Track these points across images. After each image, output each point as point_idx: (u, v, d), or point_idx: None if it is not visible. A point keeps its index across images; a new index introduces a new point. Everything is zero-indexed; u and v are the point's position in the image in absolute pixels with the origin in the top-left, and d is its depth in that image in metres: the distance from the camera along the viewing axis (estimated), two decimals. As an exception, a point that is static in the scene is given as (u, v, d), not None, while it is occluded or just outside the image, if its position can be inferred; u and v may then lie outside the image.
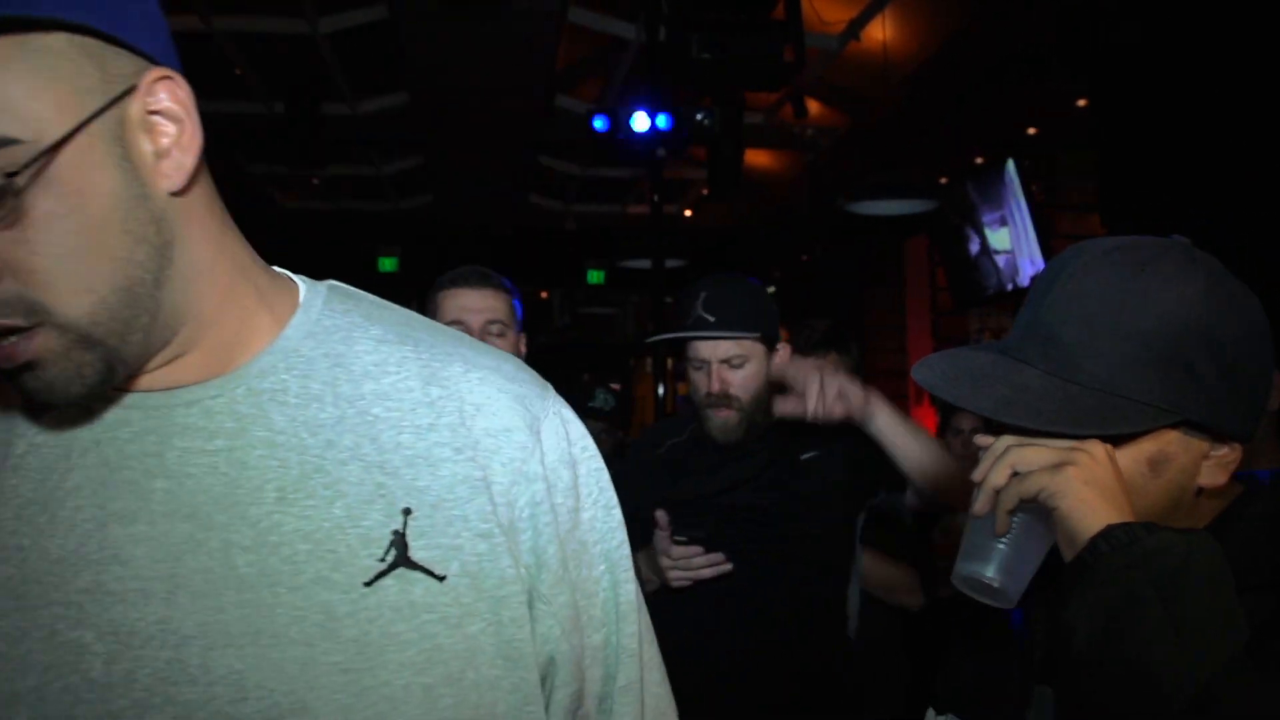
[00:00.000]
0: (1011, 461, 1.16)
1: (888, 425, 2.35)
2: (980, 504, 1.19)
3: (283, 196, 13.21)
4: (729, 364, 2.54)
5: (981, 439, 1.22)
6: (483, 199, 12.40)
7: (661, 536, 2.42)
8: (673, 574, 2.43)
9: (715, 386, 2.54)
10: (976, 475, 1.19)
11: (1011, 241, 8.77)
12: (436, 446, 0.98)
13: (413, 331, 1.07)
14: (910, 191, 7.39)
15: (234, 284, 1.04)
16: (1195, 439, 1.17)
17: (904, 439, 2.35)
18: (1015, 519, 1.18)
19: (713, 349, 2.55)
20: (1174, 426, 1.16)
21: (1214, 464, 1.18)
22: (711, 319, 2.51)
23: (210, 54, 8.42)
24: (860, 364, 3.59)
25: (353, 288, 1.17)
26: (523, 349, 2.56)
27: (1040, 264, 8.39)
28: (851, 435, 2.66)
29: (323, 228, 14.20)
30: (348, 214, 13.68)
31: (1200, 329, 1.13)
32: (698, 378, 2.60)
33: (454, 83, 8.31)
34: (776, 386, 2.67)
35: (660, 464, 2.76)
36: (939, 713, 1.49)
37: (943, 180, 9.48)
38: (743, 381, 2.55)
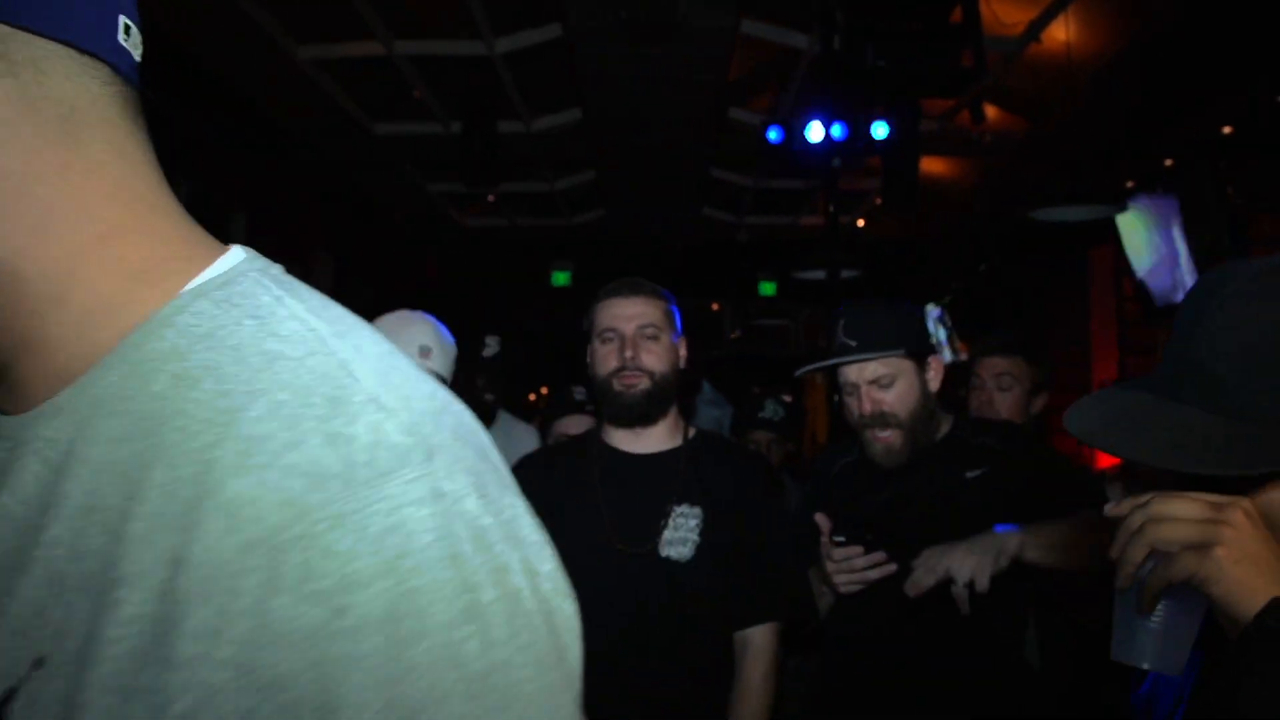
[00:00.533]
0: (1149, 541, 1.10)
1: (1039, 557, 2.26)
2: (1121, 581, 1.14)
3: (460, 215, 13.55)
4: (878, 384, 2.51)
5: (1112, 510, 1.17)
6: (654, 212, 12.49)
7: (824, 542, 2.39)
8: (839, 578, 2.40)
9: (867, 408, 2.52)
10: (1113, 553, 1.14)
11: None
12: None
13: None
14: (1094, 197, 7.13)
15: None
16: None
17: (1058, 558, 2.25)
18: (1164, 601, 1.12)
19: (859, 372, 2.53)
20: None
21: None
22: (854, 344, 2.49)
23: (390, 77, 8.70)
24: (1051, 380, 3.48)
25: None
26: (683, 353, 2.57)
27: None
28: (1022, 449, 2.58)
29: (499, 244, 14.52)
30: (522, 230, 13.95)
31: None
32: (852, 402, 2.58)
33: (626, 99, 8.39)
34: (936, 400, 2.61)
35: (832, 484, 2.73)
36: None
37: (1130, 184, 9.12)
38: (896, 399, 2.52)
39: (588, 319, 2.58)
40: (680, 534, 2.43)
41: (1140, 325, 10.32)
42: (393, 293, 6.42)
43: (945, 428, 2.65)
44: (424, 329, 2.80)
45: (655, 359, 2.48)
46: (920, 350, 2.56)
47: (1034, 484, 2.49)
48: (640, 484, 2.52)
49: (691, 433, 2.61)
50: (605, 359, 2.50)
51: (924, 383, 2.56)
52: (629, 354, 2.45)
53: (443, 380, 2.83)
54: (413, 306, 3.02)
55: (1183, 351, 1.18)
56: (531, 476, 2.68)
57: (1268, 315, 1.12)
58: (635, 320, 2.48)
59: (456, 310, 13.66)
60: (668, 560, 2.42)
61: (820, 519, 2.42)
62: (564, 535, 2.53)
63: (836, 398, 6.04)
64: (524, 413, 6.11)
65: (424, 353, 2.76)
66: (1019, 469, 2.52)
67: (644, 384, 2.46)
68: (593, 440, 2.67)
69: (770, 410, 4.28)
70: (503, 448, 3.36)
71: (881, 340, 2.49)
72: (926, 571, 2.24)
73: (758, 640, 2.43)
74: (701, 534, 2.44)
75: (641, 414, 2.49)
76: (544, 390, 16.87)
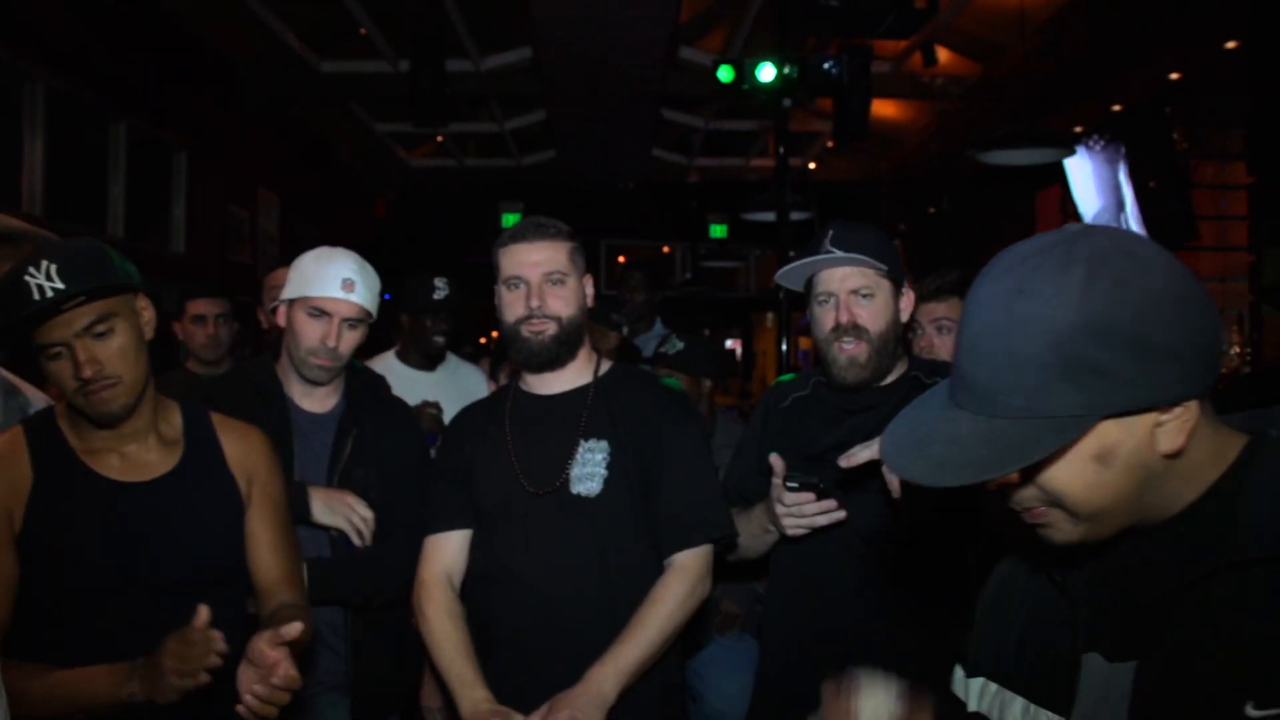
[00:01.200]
0: None
1: None
2: None
3: (408, 155, 13.41)
4: (857, 295, 2.48)
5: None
6: (605, 154, 12.42)
7: (775, 483, 2.39)
8: (787, 521, 2.38)
9: (844, 317, 2.48)
10: None
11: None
12: None
13: None
14: (1043, 140, 7.15)
15: None
16: (1134, 418, 1.15)
17: None
18: None
19: (842, 279, 2.49)
20: (1104, 419, 1.15)
21: (1169, 429, 1.16)
22: (838, 250, 2.46)
23: (337, 14, 8.55)
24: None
25: None
26: (589, 291, 2.56)
27: (1176, 214, 8.09)
28: None
29: (448, 184, 14.40)
30: (472, 171, 13.84)
31: (1090, 328, 1.12)
32: (823, 312, 2.54)
33: (577, 36, 8.29)
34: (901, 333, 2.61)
35: (782, 417, 2.73)
36: (969, 675, 1.46)
37: (1079, 129, 9.18)
38: (871, 314, 2.48)
39: (494, 262, 2.55)
40: (588, 469, 2.43)
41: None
42: (340, 233, 6.34)
43: (901, 368, 2.64)
44: (346, 263, 2.78)
45: (562, 304, 2.45)
46: (898, 275, 2.54)
47: None
48: (550, 424, 2.51)
49: (604, 368, 2.60)
50: (512, 306, 2.47)
51: (896, 309, 2.54)
52: (535, 302, 2.42)
53: (368, 314, 2.83)
54: (360, 247, 2.98)
55: (955, 360, 1.24)
56: (459, 429, 2.69)
57: (999, 322, 1.16)
58: (540, 267, 2.45)
59: (405, 252, 13.55)
60: (578, 497, 2.42)
61: (775, 460, 2.40)
62: (481, 482, 2.50)
63: (784, 342, 6.07)
64: (475, 355, 6.09)
65: (347, 285, 2.74)
66: None
67: (551, 329, 2.43)
68: (510, 386, 2.67)
69: (668, 345, 4.23)
70: (450, 389, 3.34)
71: (868, 252, 2.46)
72: (862, 448, 2.26)
73: (679, 560, 2.43)
74: (609, 467, 2.43)
75: (550, 359, 2.47)
76: (494, 334, 16.84)
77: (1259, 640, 1.14)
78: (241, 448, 2.29)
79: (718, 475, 2.64)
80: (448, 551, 2.53)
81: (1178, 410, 1.15)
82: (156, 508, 2.13)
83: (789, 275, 2.61)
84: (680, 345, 4.18)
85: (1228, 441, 1.23)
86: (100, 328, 2.00)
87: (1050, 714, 1.32)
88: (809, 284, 2.58)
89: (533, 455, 2.47)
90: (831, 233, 2.51)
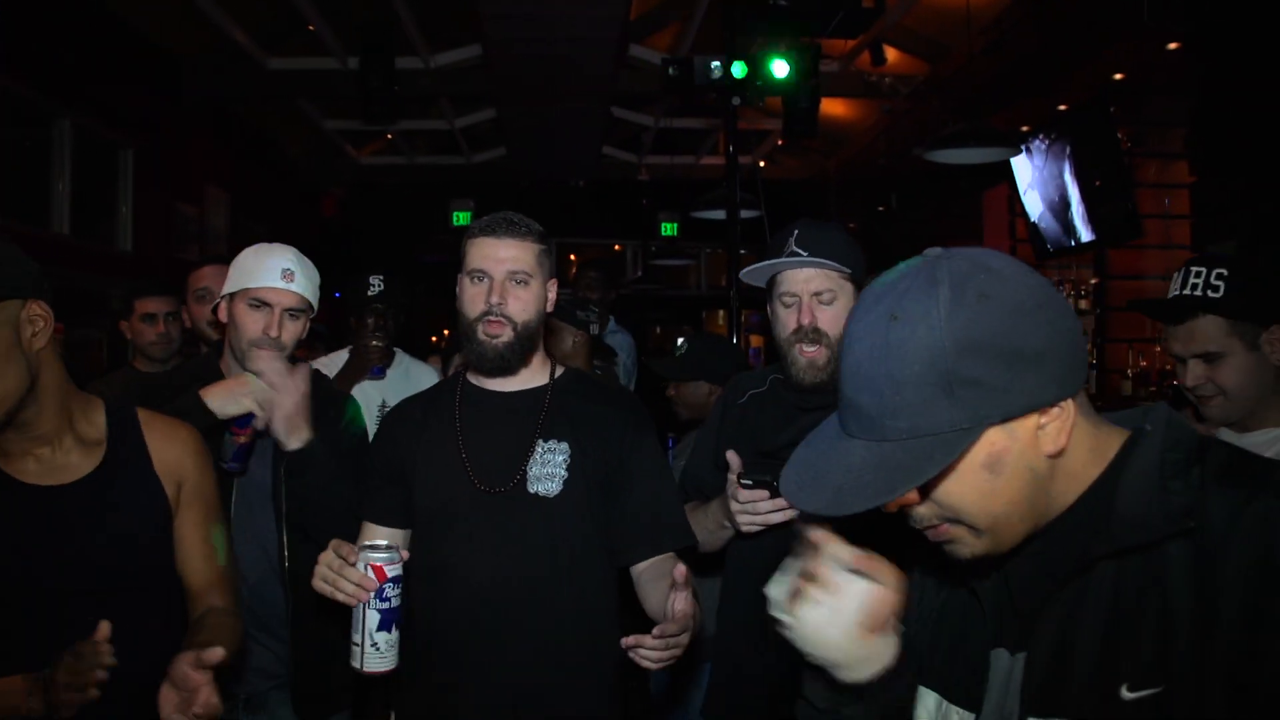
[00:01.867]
0: None
1: None
2: None
3: (357, 152, 13.32)
4: (819, 299, 2.52)
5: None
6: (556, 152, 12.41)
7: (730, 480, 2.41)
8: (741, 519, 2.41)
9: (805, 319, 2.52)
10: None
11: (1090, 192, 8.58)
12: None
13: None
14: (990, 140, 7.23)
15: None
16: (1016, 424, 1.21)
17: None
18: None
19: (805, 282, 2.52)
20: (988, 428, 1.20)
21: (1049, 431, 1.23)
22: (804, 252, 2.49)
23: (284, 11, 8.48)
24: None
25: None
26: (551, 295, 2.55)
27: (1120, 212, 8.21)
28: None
29: (398, 182, 14.32)
30: (422, 169, 13.77)
31: (959, 345, 1.18)
32: (786, 314, 2.57)
33: (527, 34, 8.28)
34: None
35: (739, 413, 2.76)
36: None
37: (1025, 129, 9.29)
38: (832, 318, 2.51)
39: (461, 251, 2.53)
40: (547, 469, 2.42)
41: (1032, 267, 10.56)
42: (288, 231, 6.30)
43: None
44: (284, 254, 2.78)
45: (522, 306, 2.41)
46: (860, 278, 2.57)
47: None
48: (504, 422, 2.49)
49: (559, 372, 2.59)
50: (473, 300, 2.44)
51: None
52: (495, 299, 2.40)
53: (309, 304, 2.83)
54: (309, 245, 2.98)
55: (841, 389, 1.29)
56: (395, 423, 2.62)
57: (876, 350, 1.22)
58: (506, 264, 2.42)
59: (355, 250, 13.45)
60: (536, 496, 2.40)
61: (731, 457, 2.42)
62: (423, 478, 2.44)
63: (735, 339, 6.09)
64: (427, 354, 6.08)
65: (287, 275, 2.74)
66: None
67: (507, 335, 2.40)
68: (458, 379, 2.63)
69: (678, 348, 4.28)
70: (403, 388, 3.33)
71: (832, 255, 2.50)
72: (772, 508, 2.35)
73: (662, 565, 2.43)
74: (569, 469, 2.42)
75: (502, 366, 2.43)
76: (445, 332, 16.75)
77: (1131, 626, 1.20)
78: (169, 447, 2.24)
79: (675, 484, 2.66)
80: (373, 536, 2.48)
81: (1054, 411, 1.22)
82: (71, 512, 2.06)
83: (754, 274, 2.65)
84: (592, 316, 4.23)
85: (1108, 439, 1.30)
86: None
87: (961, 711, 1.37)
88: (771, 281, 2.62)
89: (483, 452, 2.44)
90: (797, 233, 2.54)
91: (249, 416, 2.63)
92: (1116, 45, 7.38)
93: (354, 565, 2.04)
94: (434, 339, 15.18)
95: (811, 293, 2.52)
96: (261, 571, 2.77)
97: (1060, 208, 9.14)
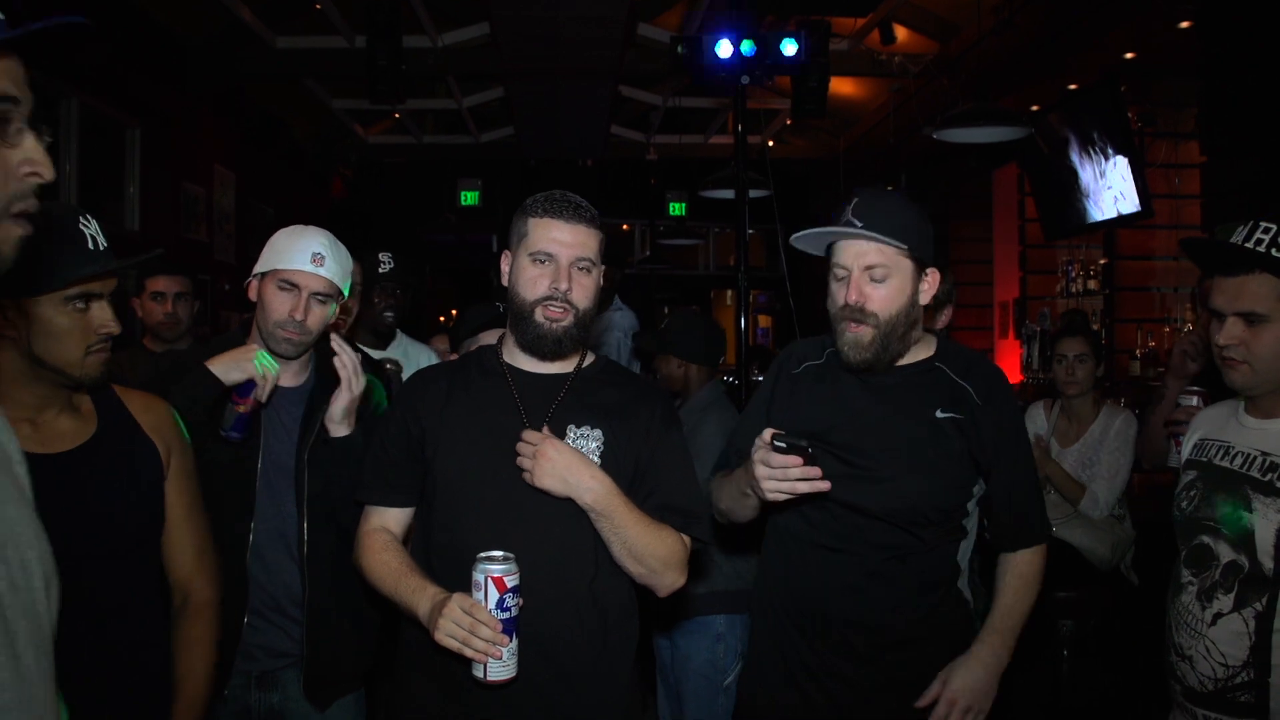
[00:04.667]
0: None
1: None
2: None
3: (365, 131, 13.30)
4: (871, 274, 2.42)
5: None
6: (564, 131, 12.37)
7: (758, 444, 2.31)
8: (768, 484, 2.29)
9: (852, 296, 2.43)
10: None
11: (1102, 172, 8.54)
12: None
13: None
14: (1000, 119, 7.20)
15: None
16: None
17: None
18: None
19: (857, 255, 2.43)
20: None
21: None
22: (859, 223, 2.40)
23: (293, -12, 8.45)
24: (952, 294, 3.52)
25: None
26: (602, 282, 2.50)
27: (1133, 194, 8.18)
28: (999, 404, 2.56)
29: (405, 161, 14.29)
30: (430, 148, 13.74)
31: None
32: (837, 288, 2.48)
33: (535, 12, 8.25)
34: (921, 315, 2.56)
35: (792, 383, 2.68)
36: None
37: (1034, 108, 9.24)
38: (884, 298, 2.43)
39: (520, 227, 2.42)
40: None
41: (1040, 247, 10.53)
42: (296, 210, 6.30)
43: (927, 351, 2.59)
44: (317, 237, 2.78)
45: (584, 294, 2.35)
46: (922, 255, 2.47)
47: (1000, 446, 2.51)
48: (534, 403, 2.40)
49: (590, 359, 2.54)
50: (534, 282, 2.34)
51: (915, 291, 2.48)
52: (563, 285, 2.32)
53: (337, 290, 2.82)
54: (317, 224, 2.97)
55: None
56: (416, 395, 2.49)
57: None
58: (574, 250, 2.35)
59: (362, 229, 13.43)
60: None
61: (767, 432, 2.30)
62: (446, 455, 2.34)
63: (743, 320, 6.09)
64: (433, 334, 6.07)
65: (317, 259, 2.74)
66: (991, 428, 2.50)
67: (568, 320, 2.32)
68: (484, 354, 2.54)
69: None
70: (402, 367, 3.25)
71: (889, 228, 2.39)
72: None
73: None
74: (602, 456, 2.35)
75: (557, 351, 2.38)
76: (454, 312, 16.75)
77: None
78: (152, 417, 2.27)
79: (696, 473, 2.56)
80: (386, 518, 2.45)
81: None
82: (71, 479, 2.08)
83: (806, 240, 2.55)
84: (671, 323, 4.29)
85: None
86: None
87: None
88: (829, 250, 2.52)
89: (512, 432, 2.34)
90: (856, 200, 2.44)
91: (250, 385, 2.63)
92: (1127, 24, 7.35)
93: (484, 623, 2.04)
94: (441, 318, 15.19)
95: (863, 267, 2.43)
96: (277, 552, 2.77)
97: (1070, 187, 9.11)
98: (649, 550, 2.30)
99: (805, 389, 2.65)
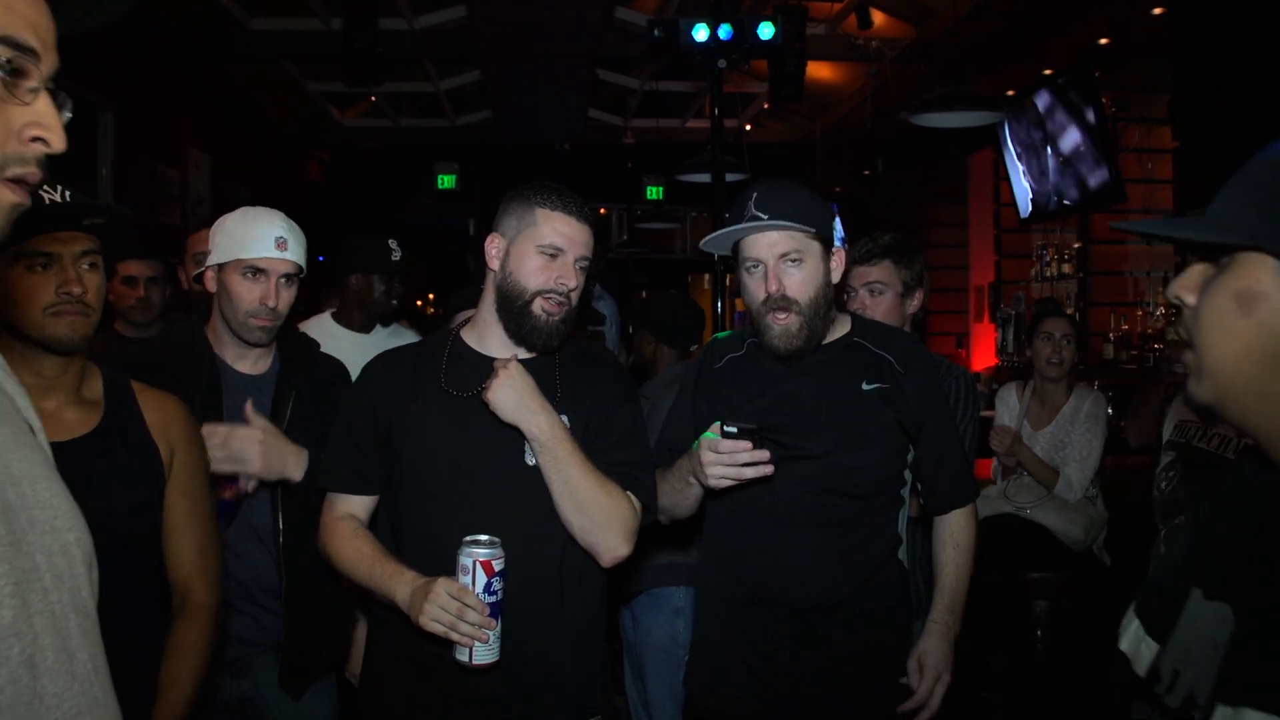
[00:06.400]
0: None
1: None
2: None
3: (341, 114, 13.23)
4: (786, 260, 2.46)
5: None
6: (541, 115, 12.34)
7: (711, 434, 2.33)
8: (714, 470, 2.31)
9: (773, 287, 2.46)
10: None
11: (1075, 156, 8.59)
12: None
13: None
14: (976, 103, 7.23)
15: None
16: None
17: None
18: None
19: (769, 245, 2.47)
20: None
21: None
22: (765, 216, 2.44)
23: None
24: (924, 278, 3.54)
25: None
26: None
27: (1104, 177, 8.22)
28: (922, 373, 2.61)
29: (382, 145, 14.23)
30: (406, 131, 13.68)
31: None
32: (753, 282, 2.52)
33: (512, -4, 8.23)
34: (834, 294, 2.61)
35: (715, 378, 2.71)
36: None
37: (1010, 93, 9.27)
38: (801, 282, 2.47)
39: (526, 215, 2.39)
40: None
41: (1015, 231, 10.58)
42: (272, 194, 6.26)
43: (844, 328, 2.63)
44: (276, 220, 2.75)
45: (578, 290, 2.38)
46: (827, 234, 2.51)
47: (924, 411, 2.56)
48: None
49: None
50: (538, 273, 2.34)
51: (827, 270, 2.52)
52: (570, 282, 2.35)
53: (301, 270, 2.80)
54: (293, 208, 2.96)
55: None
56: (376, 381, 2.48)
57: None
58: (580, 248, 2.36)
59: (339, 213, 13.34)
60: (534, 469, 2.31)
61: (719, 423, 2.33)
62: (412, 443, 2.34)
63: (720, 304, 6.10)
64: (417, 318, 6.08)
65: (280, 244, 2.72)
66: (915, 394, 2.55)
67: (563, 315, 2.34)
68: (447, 339, 2.52)
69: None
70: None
71: (794, 215, 2.43)
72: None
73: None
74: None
75: (549, 344, 2.39)
76: (431, 296, 16.70)
77: None
78: (162, 416, 2.23)
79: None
80: (352, 504, 2.45)
81: None
82: (69, 468, 2.06)
83: (714, 243, 2.59)
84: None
85: None
86: None
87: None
88: (736, 247, 2.56)
89: (482, 420, 2.33)
90: (756, 195, 2.48)
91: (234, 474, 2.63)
92: (1101, 9, 7.37)
93: (472, 607, 2.06)
94: (419, 303, 15.13)
95: (777, 255, 2.47)
96: (247, 541, 2.76)
97: (1044, 172, 9.15)
98: (591, 499, 2.28)
99: (730, 380, 2.68)
